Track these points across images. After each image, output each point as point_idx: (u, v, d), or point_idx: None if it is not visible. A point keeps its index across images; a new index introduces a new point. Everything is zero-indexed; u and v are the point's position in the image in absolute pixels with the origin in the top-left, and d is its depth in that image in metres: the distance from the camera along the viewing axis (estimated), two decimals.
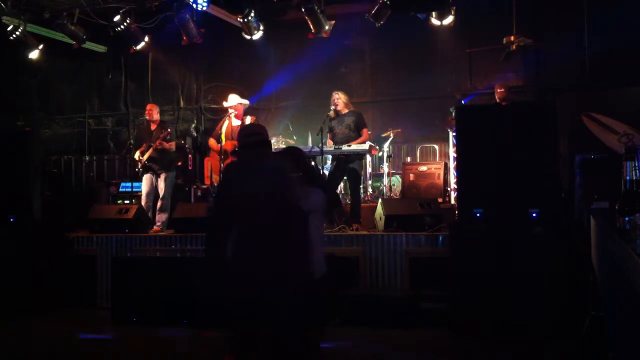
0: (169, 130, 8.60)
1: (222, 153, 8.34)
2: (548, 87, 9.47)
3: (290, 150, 4.08)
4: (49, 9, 9.33)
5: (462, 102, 9.52)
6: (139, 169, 8.70)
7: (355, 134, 8.13)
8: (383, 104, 10.69)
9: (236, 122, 8.47)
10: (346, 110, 8.19)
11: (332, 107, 8.16)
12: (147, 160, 8.57)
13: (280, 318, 3.58)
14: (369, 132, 8.47)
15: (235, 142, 8.13)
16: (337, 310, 6.39)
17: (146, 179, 8.67)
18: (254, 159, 3.80)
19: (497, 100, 8.46)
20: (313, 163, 7.63)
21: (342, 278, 6.76)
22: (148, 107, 8.93)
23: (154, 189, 8.63)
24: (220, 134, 8.48)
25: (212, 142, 8.70)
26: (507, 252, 5.98)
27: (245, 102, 8.68)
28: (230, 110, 8.46)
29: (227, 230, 3.69)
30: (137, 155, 8.74)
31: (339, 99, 8.14)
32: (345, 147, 7.95)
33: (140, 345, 6.23)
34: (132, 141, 11.10)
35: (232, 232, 3.71)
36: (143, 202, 8.63)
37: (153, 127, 8.79)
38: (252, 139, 3.84)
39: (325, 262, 3.87)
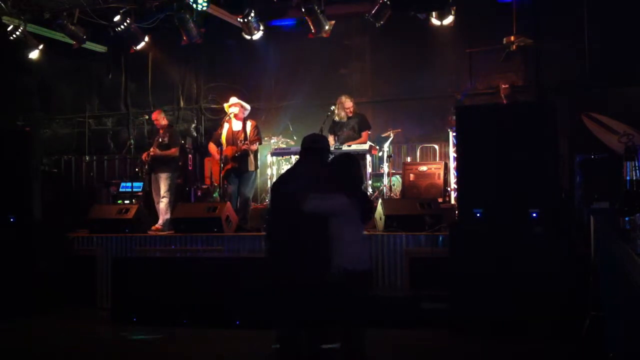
0: (167, 134, 8.67)
1: (223, 159, 8.29)
2: (548, 87, 9.46)
3: (337, 159, 4.34)
4: (49, 9, 9.33)
5: (460, 99, 9.52)
6: (144, 169, 8.74)
7: (358, 136, 8.16)
8: (383, 104, 10.68)
9: (237, 127, 8.39)
10: (352, 114, 8.21)
11: (333, 108, 8.16)
12: (150, 160, 8.64)
13: (308, 311, 3.88)
14: (369, 134, 8.46)
15: (235, 148, 8.20)
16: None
17: (152, 179, 8.77)
18: (299, 164, 4.26)
19: (502, 97, 8.44)
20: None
21: None
22: (153, 116, 9.02)
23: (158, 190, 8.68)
24: (220, 136, 8.43)
25: (212, 147, 8.63)
26: (507, 252, 5.97)
27: (247, 106, 8.61)
28: (230, 110, 8.41)
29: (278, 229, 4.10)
30: (143, 156, 8.85)
31: (351, 106, 8.17)
32: (345, 147, 7.96)
33: (140, 346, 6.23)
34: (132, 141, 11.11)
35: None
36: (155, 201, 8.70)
37: (161, 132, 8.87)
38: (313, 145, 4.26)
39: (363, 260, 4.05)
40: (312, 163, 4.20)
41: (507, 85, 8.44)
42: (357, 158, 4.54)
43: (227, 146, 8.30)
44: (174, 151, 8.73)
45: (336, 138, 8.23)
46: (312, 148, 4.25)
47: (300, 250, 3.89)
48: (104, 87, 12.13)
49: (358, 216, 4.03)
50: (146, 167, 8.76)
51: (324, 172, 4.09)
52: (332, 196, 3.94)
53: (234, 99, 8.51)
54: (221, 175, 8.36)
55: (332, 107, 8.35)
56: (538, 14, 9.53)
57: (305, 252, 3.88)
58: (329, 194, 3.94)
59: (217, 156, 8.36)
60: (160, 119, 8.93)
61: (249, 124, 8.38)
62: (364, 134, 8.13)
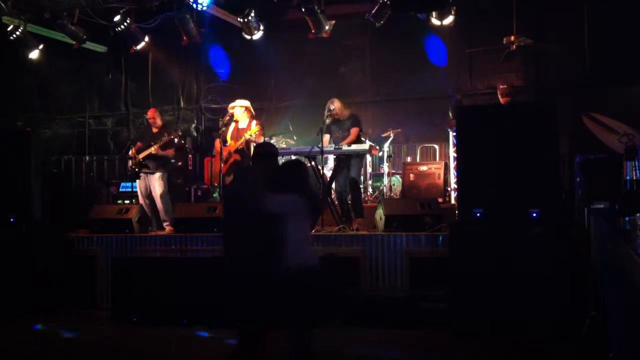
0: (171, 137, 8.56)
1: (226, 154, 8.30)
2: (548, 87, 9.47)
3: (285, 163, 4.63)
4: (49, 9, 9.33)
5: (452, 99, 9.51)
6: (132, 167, 8.62)
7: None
8: (383, 104, 10.68)
9: (243, 125, 8.51)
10: (345, 116, 8.20)
11: (327, 113, 8.14)
12: (143, 158, 8.52)
13: (262, 312, 3.97)
14: (364, 132, 8.44)
15: (236, 143, 8.25)
16: (337, 310, 6.38)
17: (139, 182, 8.60)
18: (249, 169, 4.57)
19: (499, 97, 8.44)
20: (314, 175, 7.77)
21: (342, 278, 6.75)
22: (150, 114, 8.87)
23: (148, 190, 8.60)
24: (226, 135, 8.48)
25: (218, 144, 8.66)
26: (507, 252, 5.97)
27: (252, 111, 8.70)
28: (237, 113, 8.47)
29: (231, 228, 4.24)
30: (131, 152, 8.68)
31: (340, 109, 8.13)
32: (345, 147, 7.96)
33: (140, 346, 6.23)
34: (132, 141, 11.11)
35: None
36: (142, 204, 8.61)
37: (155, 130, 8.80)
38: (256, 150, 4.58)
39: (310, 256, 4.17)
40: (261, 167, 4.47)
41: (505, 86, 8.42)
42: (302, 163, 4.83)
43: (231, 142, 8.37)
44: (172, 152, 8.73)
45: (331, 139, 8.25)
46: (260, 153, 4.57)
47: (252, 249, 4.04)
48: (104, 87, 12.13)
49: (306, 214, 4.18)
50: (133, 164, 8.54)
51: (272, 174, 4.32)
52: (284, 195, 4.10)
53: (245, 102, 8.55)
54: (221, 172, 8.34)
55: (332, 107, 8.36)
56: (538, 14, 9.53)
57: (257, 250, 4.03)
58: (281, 194, 4.10)
59: (224, 152, 8.35)
60: (157, 117, 8.87)
61: (254, 122, 8.44)
62: (353, 130, 8.13)
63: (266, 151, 4.57)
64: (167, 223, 8.39)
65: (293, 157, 8.28)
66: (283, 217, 4.02)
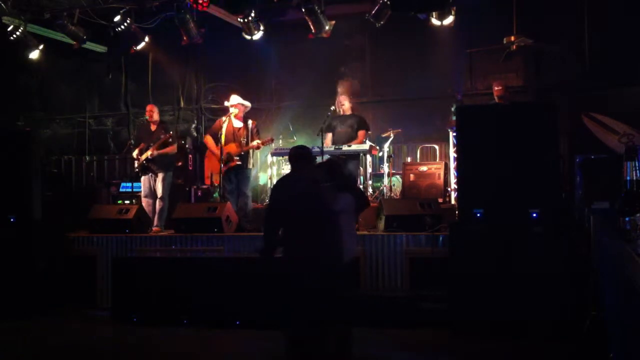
0: (170, 133, 8.62)
1: (225, 156, 8.26)
2: (548, 87, 9.46)
3: (327, 162, 5.06)
4: (49, 9, 9.32)
5: (458, 98, 9.50)
6: (136, 168, 8.69)
7: (354, 134, 8.17)
8: (383, 104, 10.67)
9: (237, 124, 8.43)
10: (349, 112, 8.21)
11: (333, 108, 8.17)
12: (145, 160, 8.57)
13: (326, 304, 4.19)
14: (369, 133, 8.43)
15: (238, 145, 8.21)
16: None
17: (144, 180, 8.69)
18: (297, 171, 4.72)
19: (495, 98, 8.45)
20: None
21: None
22: (148, 108, 8.95)
23: (152, 190, 8.63)
24: (220, 134, 8.39)
25: (209, 140, 8.60)
26: (507, 252, 5.97)
27: (247, 104, 8.63)
28: (231, 110, 8.41)
29: (279, 230, 4.47)
30: (135, 153, 8.74)
31: (346, 102, 8.16)
32: (345, 147, 7.97)
33: (140, 346, 6.23)
34: (132, 141, 11.10)
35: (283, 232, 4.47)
36: (144, 204, 8.63)
37: (153, 127, 8.82)
38: (304, 151, 4.79)
39: (354, 250, 4.62)
40: (308, 168, 4.68)
41: (500, 87, 8.42)
42: (339, 161, 5.24)
43: (226, 143, 8.30)
44: (173, 148, 8.72)
45: (333, 136, 8.24)
46: (304, 154, 4.75)
47: (321, 247, 4.25)
48: (104, 87, 12.12)
49: (354, 211, 4.58)
50: (137, 166, 8.63)
51: (316, 176, 4.56)
52: (344, 194, 4.43)
53: (235, 99, 8.50)
54: (221, 173, 8.33)
55: (332, 107, 8.35)
56: (538, 14, 9.52)
57: (327, 247, 4.25)
58: (341, 193, 4.40)
59: (217, 152, 8.32)
60: (155, 112, 8.90)
61: (249, 122, 8.40)
62: (361, 133, 8.14)
63: (307, 152, 4.80)
64: (156, 224, 8.41)
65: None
66: (344, 214, 4.33)
